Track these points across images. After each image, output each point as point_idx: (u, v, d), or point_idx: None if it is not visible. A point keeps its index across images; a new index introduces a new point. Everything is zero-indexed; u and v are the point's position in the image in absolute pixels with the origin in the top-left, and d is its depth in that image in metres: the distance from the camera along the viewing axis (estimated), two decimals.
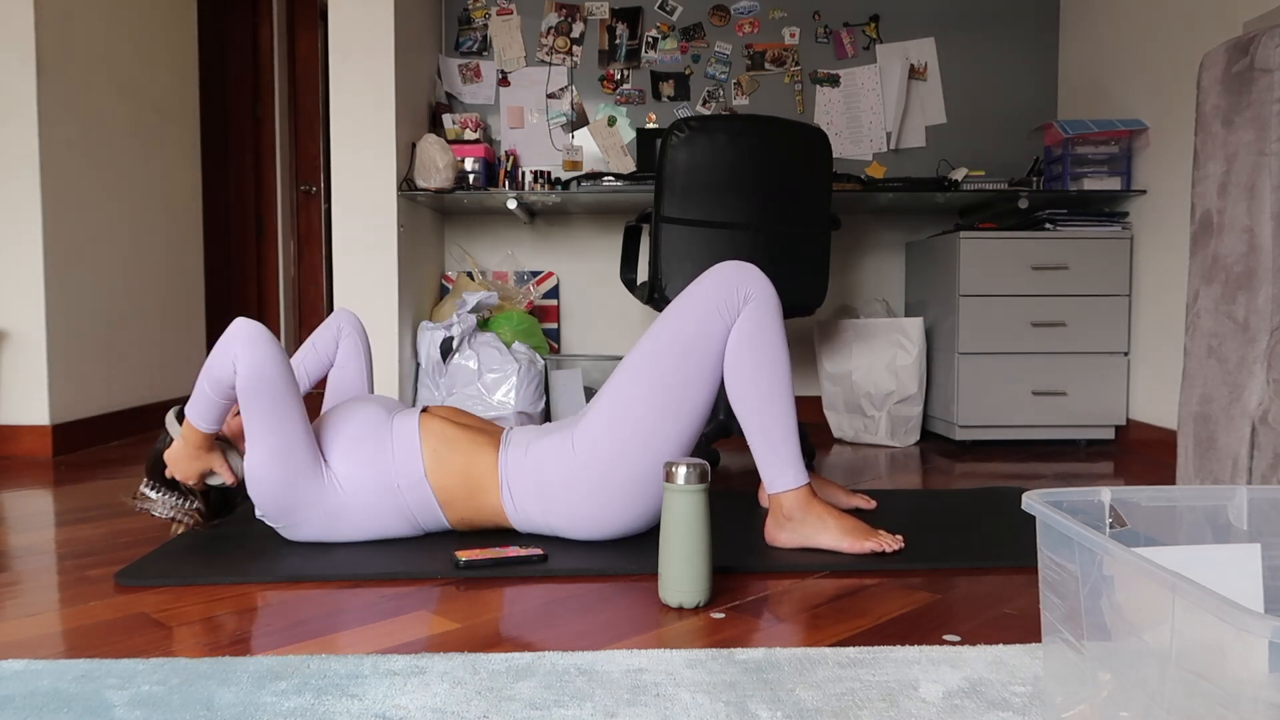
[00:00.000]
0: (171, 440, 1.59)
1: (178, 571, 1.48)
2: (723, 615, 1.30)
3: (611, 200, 3.11)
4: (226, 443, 1.62)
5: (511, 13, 3.51)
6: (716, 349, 1.57)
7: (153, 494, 1.61)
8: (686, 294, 1.59)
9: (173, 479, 1.60)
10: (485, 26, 3.52)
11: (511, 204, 3.01)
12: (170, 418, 1.61)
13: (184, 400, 1.65)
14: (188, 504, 1.62)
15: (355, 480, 1.58)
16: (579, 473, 1.57)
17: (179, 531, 1.68)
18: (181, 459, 1.56)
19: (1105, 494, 0.91)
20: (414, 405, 1.82)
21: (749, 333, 1.56)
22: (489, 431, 1.70)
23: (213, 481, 1.60)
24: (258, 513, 1.58)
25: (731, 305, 1.56)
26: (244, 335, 1.46)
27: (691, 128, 2.30)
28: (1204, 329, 1.32)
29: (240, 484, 1.63)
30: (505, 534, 1.71)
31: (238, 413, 1.66)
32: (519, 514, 1.63)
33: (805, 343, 3.60)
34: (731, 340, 1.57)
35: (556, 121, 3.53)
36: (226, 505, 1.69)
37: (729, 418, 2.50)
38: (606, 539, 1.65)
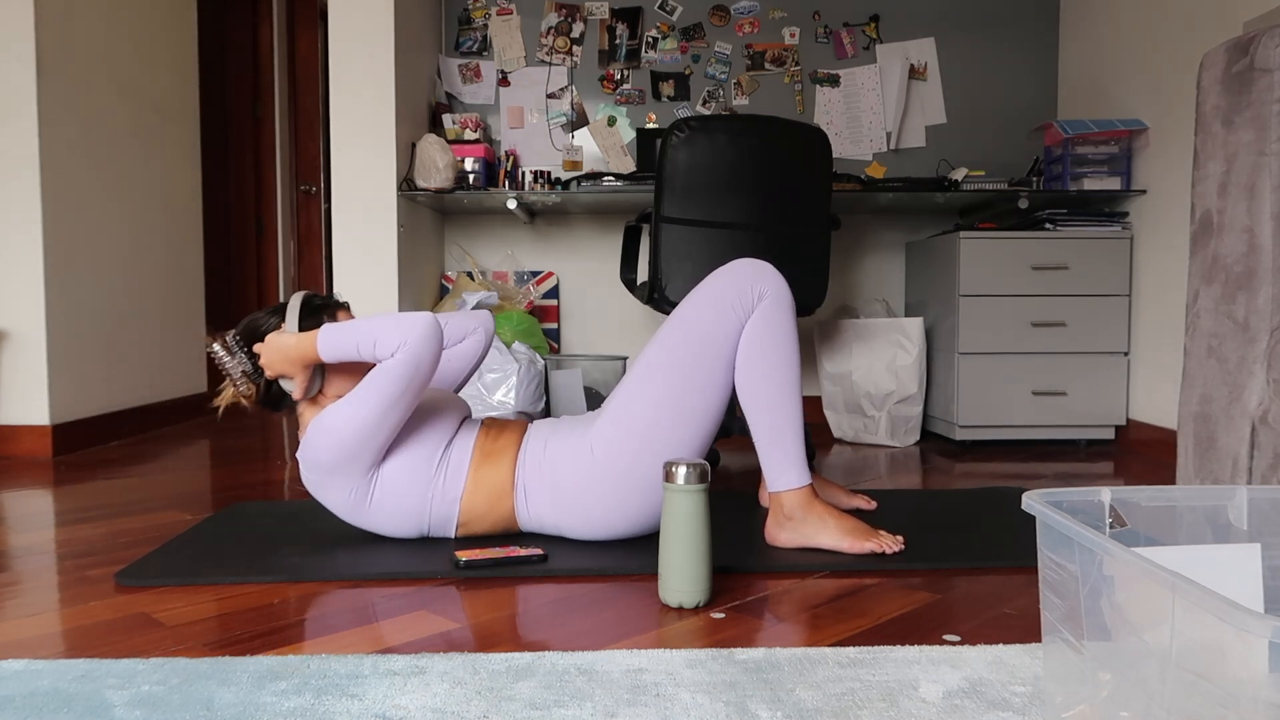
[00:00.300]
0: (281, 324, 1.59)
1: (178, 571, 1.48)
2: (723, 615, 1.30)
3: (611, 200, 3.11)
4: (322, 370, 1.61)
5: (511, 13, 3.51)
6: (730, 347, 1.57)
7: (229, 354, 1.60)
8: (700, 291, 1.59)
9: (256, 355, 1.59)
10: (485, 26, 3.52)
11: (511, 204, 3.01)
12: (295, 305, 1.60)
13: (311, 295, 1.64)
14: (253, 377, 1.61)
15: (397, 484, 1.58)
16: (596, 473, 1.57)
17: (224, 398, 1.66)
18: (279, 352, 1.54)
19: (1105, 494, 0.91)
20: (470, 415, 1.80)
21: (762, 331, 1.56)
22: (518, 432, 1.68)
23: (285, 385, 1.59)
24: (300, 452, 1.57)
25: (746, 302, 1.56)
26: (426, 333, 1.47)
27: (691, 128, 2.30)
28: (1204, 329, 1.32)
29: (296, 401, 1.62)
30: (505, 534, 1.71)
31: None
32: (530, 515, 1.62)
33: (805, 343, 3.60)
34: (744, 338, 1.57)
35: (556, 121, 3.53)
36: (274, 403, 1.67)
37: (729, 417, 2.50)
38: (619, 539, 1.64)
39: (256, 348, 1.58)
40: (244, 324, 1.63)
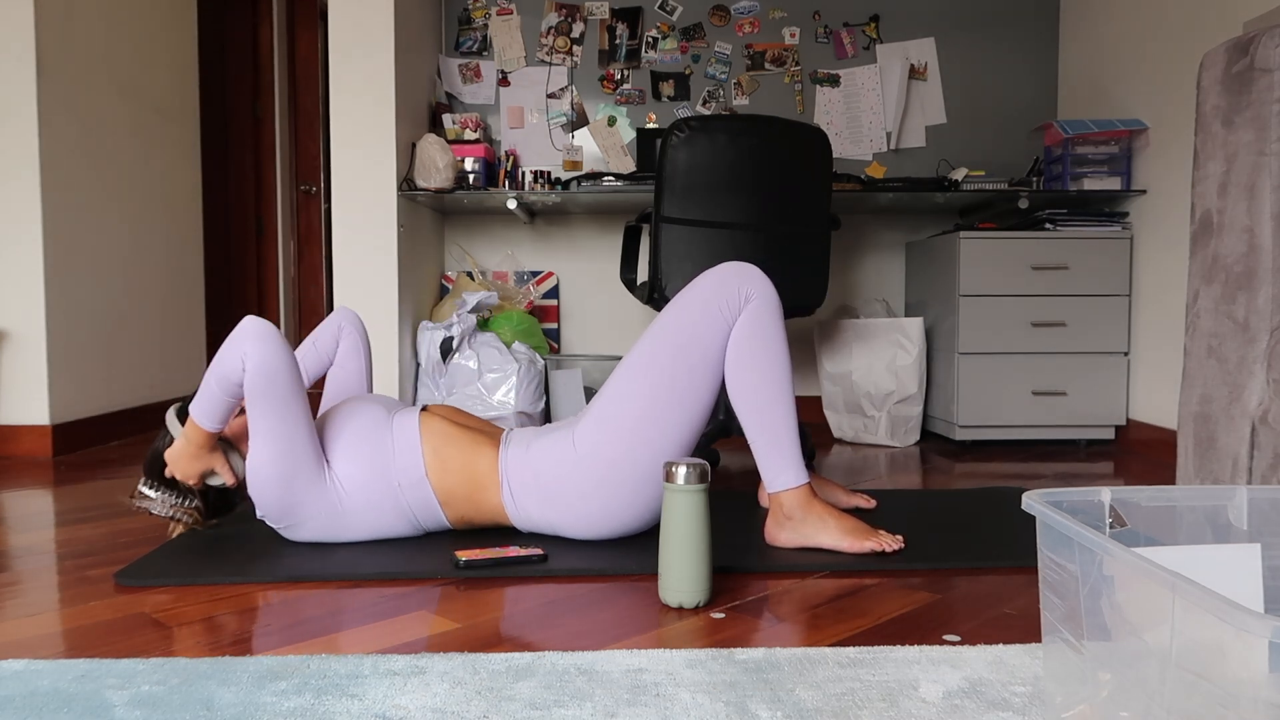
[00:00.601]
0: (171, 439, 1.59)
1: (178, 571, 1.48)
2: (723, 615, 1.30)
3: (611, 200, 3.11)
4: (227, 443, 1.62)
5: (511, 13, 3.51)
6: (717, 349, 1.57)
7: (151, 493, 1.61)
8: (687, 294, 1.59)
9: (172, 478, 1.60)
10: (485, 26, 3.52)
11: (511, 204, 3.01)
12: (171, 416, 1.60)
13: (184, 399, 1.63)
14: (187, 503, 1.62)
15: (356, 480, 1.58)
16: (580, 471, 1.57)
17: (177, 532, 1.68)
18: (183, 458, 1.55)
19: (1105, 494, 0.91)
20: (414, 404, 1.81)
21: (749, 333, 1.56)
22: (489, 431, 1.70)
23: (213, 481, 1.60)
24: (258, 513, 1.58)
25: (732, 305, 1.56)
26: (254, 333, 1.47)
27: (691, 128, 2.30)
28: (1204, 329, 1.32)
29: (240, 484, 1.63)
30: (505, 534, 1.71)
31: (240, 412, 1.66)
32: (519, 512, 1.63)
33: (805, 343, 3.60)
34: (732, 340, 1.57)
35: (556, 121, 3.53)
36: (226, 505, 1.70)
37: (729, 418, 2.50)
38: (607, 538, 1.65)
39: (166, 473, 1.59)
40: (144, 465, 1.64)
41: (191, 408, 1.51)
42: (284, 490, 1.53)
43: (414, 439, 1.61)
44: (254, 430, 1.50)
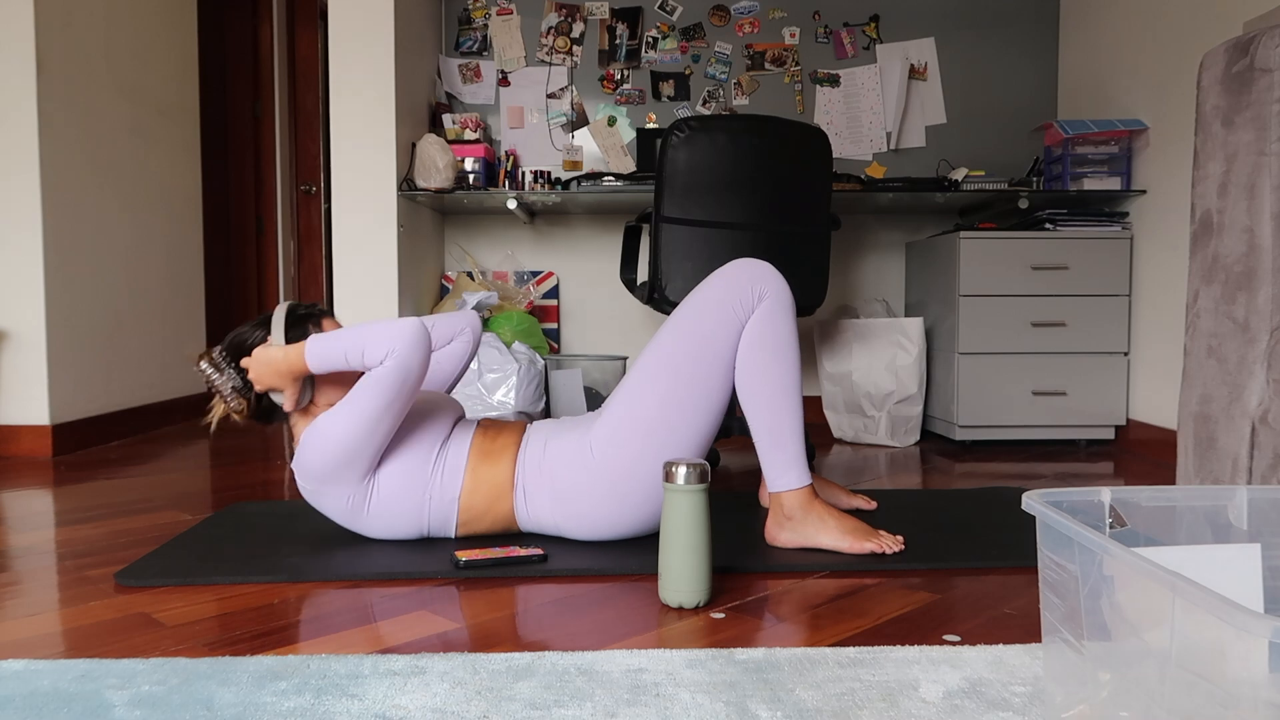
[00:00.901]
0: (265, 338, 1.59)
1: (178, 571, 1.48)
2: (723, 615, 1.30)
3: (611, 200, 3.11)
4: (310, 378, 1.61)
5: (511, 13, 3.51)
6: (730, 347, 1.57)
7: (220, 369, 1.60)
8: (700, 292, 1.59)
9: (244, 369, 1.59)
10: (485, 26, 3.52)
11: (511, 204, 3.01)
12: (279, 317, 1.59)
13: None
14: (244, 392, 1.61)
15: (392, 489, 1.58)
16: (597, 475, 1.57)
17: (216, 415, 1.65)
18: (268, 366, 1.54)
19: (1105, 494, 0.91)
20: (464, 415, 1.79)
21: (762, 331, 1.56)
22: (515, 436, 1.67)
23: (275, 397, 1.59)
24: (293, 462, 1.57)
25: (746, 303, 1.56)
26: (414, 340, 1.47)
27: (691, 128, 2.30)
28: (1204, 329, 1.32)
29: (291, 412, 1.62)
30: (506, 533, 1.71)
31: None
32: (529, 515, 1.62)
33: (805, 343, 3.60)
34: (744, 339, 1.57)
35: (556, 121, 3.53)
36: (267, 416, 1.67)
37: (729, 417, 2.50)
38: (619, 539, 1.64)
39: (244, 362, 1.58)
40: (229, 339, 1.63)
41: (313, 343, 1.50)
42: (332, 463, 1.52)
43: (461, 463, 1.60)
44: (350, 399, 1.49)
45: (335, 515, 1.61)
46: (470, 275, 3.41)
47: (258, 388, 1.57)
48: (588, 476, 1.57)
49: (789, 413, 1.57)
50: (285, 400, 1.58)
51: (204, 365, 1.61)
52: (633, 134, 3.51)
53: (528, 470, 1.60)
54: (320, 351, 1.50)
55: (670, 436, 1.55)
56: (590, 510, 1.58)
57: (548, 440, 1.62)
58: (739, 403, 1.65)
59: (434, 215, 3.38)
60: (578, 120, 3.53)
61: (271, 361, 1.54)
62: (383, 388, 1.47)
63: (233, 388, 1.61)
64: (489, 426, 1.69)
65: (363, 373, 1.57)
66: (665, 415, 1.55)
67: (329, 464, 1.52)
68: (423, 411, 1.65)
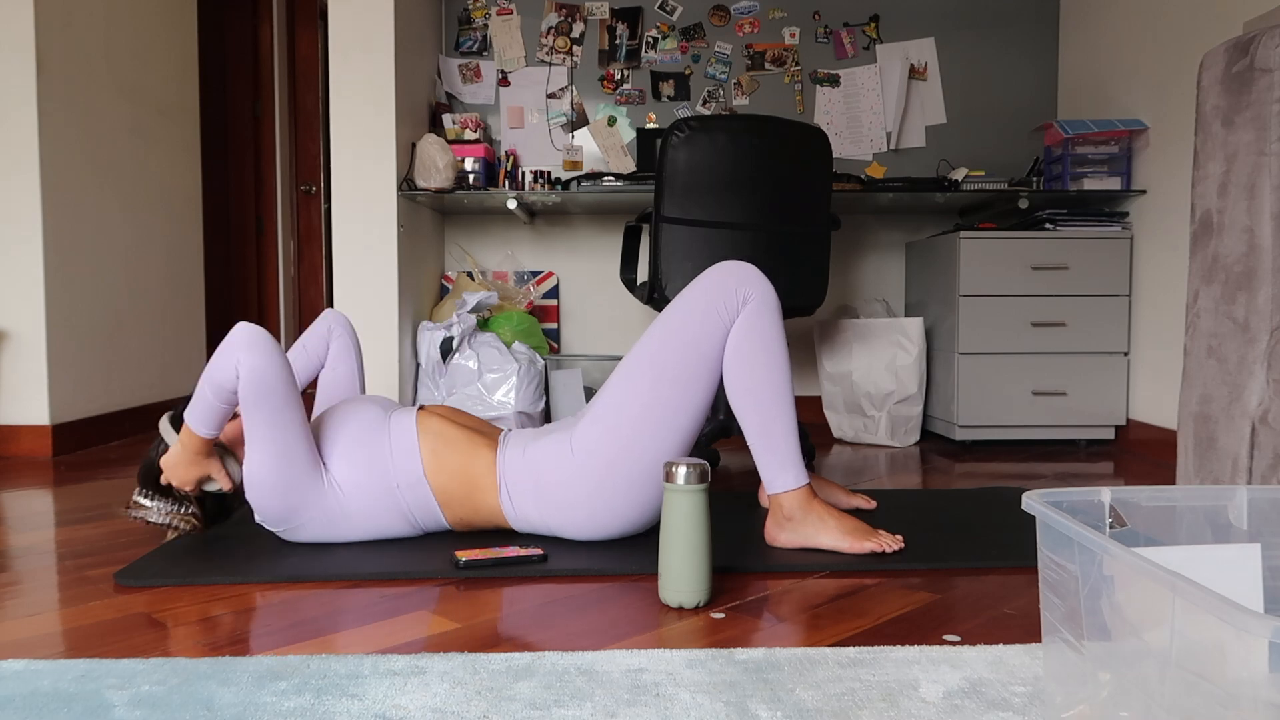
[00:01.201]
0: (166, 447, 1.59)
1: (177, 571, 1.48)
2: (723, 615, 1.30)
3: (611, 200, 3.11)
4: (223, 449, 1.61)
5: (511, 13, 3.51)
6: (715, 349, 1.56)
7: (148, 502, 1.60)
8: (684, 295, 1.59)
9: (168, 485, 1.59)
10: (485, 26, 3.52)
11: (511, 204, 3.01)
12: (165, 424, 1.59)
13: (181, 402, 1.63)
14: (184, 510, 1.61)
15: (354, 481, 1.58)
16: (577, 474, 1.57)
17: (174, 538, 1.67)
18: (179, 465, 1.54)
19: (1105, 494, 0.91)
20: (412, 405, 1.81)
21: (748, 334, 1.55)
22: (486, 432, 1.70)
23: (210, 488, 1.59)
24: (257, 518, 1.58)
25: (730, 306, 1.56)
26: (247, 340, 1.46)
27: (691, 128, 2.30)
28: (1204, 329, 1.32)
29: (237, 490, 1.63)
30: (505, 534, 1.71)
31: (235, 417, 1.66)
32: (517, 515, 1.62)
33: (805, 343, 3.60)
34: (730, 341, 1.56)
35: (556, 121, 3.53)
36: (223, 511, 1.69)
37: (729, 418, 2.50)
38: (606, 539, 1.65)
39: (163, 480, 1.58)
40: (140, 474, 1.63)
41: (186, 415, 1.50)
42: (282, 495, 1.53)
43: (411, 440, 1.61)
44: (250, 437, 1.50)
45: (321, 536, 1.61)
46: (470, 275, 3.41)
47: (186, 489, 1.57)
48: (569, 474, 1.57)
49: (780, 414, 1.56)
50: (220, 483, 1.58)
51: (135, 511, 1.60)
52: (633, 134, 3.51)
53: (508, 469, 1.61)
54: (194, 412, 1.49)
55: (653, 437, 1.55)
56: (574, 508, 1.59)
57: (527, 445, 1.63)
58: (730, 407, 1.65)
59: (434, 215, 3.38)
60: (578, 120, 3.53)
61: (176, 459, 1.54)
62: (258, 396, 1.46)
63: (172, 507, 1.60)
64: (435, 407, 1.71)
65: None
66: (647, 413, 1.55)
67: (279, 494, 1.53)
68: (351, 407, 1.66)
